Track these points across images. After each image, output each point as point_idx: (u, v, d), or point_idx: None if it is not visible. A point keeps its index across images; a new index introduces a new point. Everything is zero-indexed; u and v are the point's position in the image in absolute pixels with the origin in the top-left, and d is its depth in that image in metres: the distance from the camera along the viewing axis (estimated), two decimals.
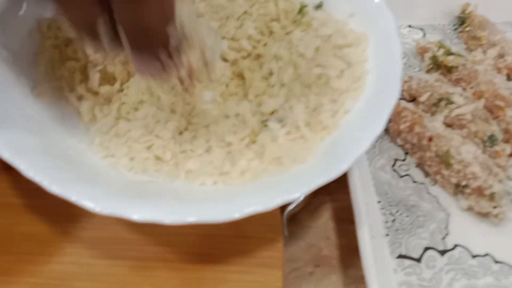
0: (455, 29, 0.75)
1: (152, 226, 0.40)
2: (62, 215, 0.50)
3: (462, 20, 0.74)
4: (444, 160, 0.56)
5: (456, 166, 0.55)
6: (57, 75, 0.51)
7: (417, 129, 0.59)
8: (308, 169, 0.43)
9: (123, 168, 0.46)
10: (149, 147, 0.47)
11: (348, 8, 0.56)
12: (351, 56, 0.51)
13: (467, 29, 0.72)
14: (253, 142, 0.47)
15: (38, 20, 0.53)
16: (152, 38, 0.35)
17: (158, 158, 0.47)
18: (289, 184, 0.41)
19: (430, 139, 0.57)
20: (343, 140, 0.45)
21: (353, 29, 0.53)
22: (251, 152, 0.46)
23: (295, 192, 0.40)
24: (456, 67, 0.65)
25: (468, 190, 0.55)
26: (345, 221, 0.56)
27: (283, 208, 0.52)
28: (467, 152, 0.55)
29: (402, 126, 0.59)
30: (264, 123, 0.48)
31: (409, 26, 0.74)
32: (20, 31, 0.51)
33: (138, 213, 0.38)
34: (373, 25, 0.53)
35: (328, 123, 0.47)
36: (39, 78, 0.50)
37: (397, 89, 0.46)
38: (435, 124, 0.58)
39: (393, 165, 0.60)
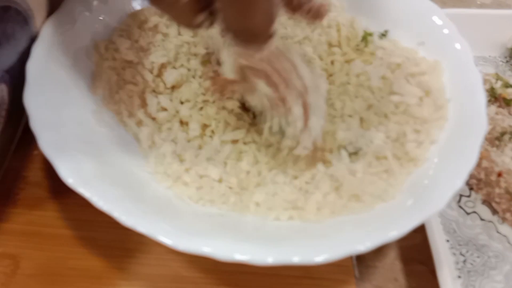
0: (507, 61, 0.73)
1: (214, 263, 0.37)
2: (116, 249, 0.46)
3: None
4: None
5: None
6: (115, 99, 0.48)
7: (484, 163, 0.56)
8: (396, 207, 0.40)
9: (189, 198, 0.43)
10: (219, 179, 0.44)
11: (416, 37, 0.54)
12: (428, 84, 0.48)
13: None
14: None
15: (94, 40, 0.50)
16: (256, 38, 0.36)
17: (229, 188, 0.43)
18: (379, 225, 0.38)
19: (500, 174, 0.54)
20: (434, 174, 0.41)
21: (425, 57, 0.51)
22: (326, 185, 0.43)
23: (386, 233, 0.36)
24: None
25: None
26: (413, 261, 0.52)
27: None
28: None
29: None
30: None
31: None
32: (75, 49, 0.48)
33: (224, 252, 0.34)
34: (445, 54, 0.51)
35: (414, 154, 0.44)
36: (98, 102, 0.47)
37: (484, 119, 0.43)
38: (504, 159, 0.55)
39: (459, 201, 0.56)
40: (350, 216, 0.40)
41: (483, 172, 0.55)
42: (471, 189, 0.58)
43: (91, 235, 0.46)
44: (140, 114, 0.47)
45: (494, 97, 0.65)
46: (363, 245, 0.36)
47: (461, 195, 0.57)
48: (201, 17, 0.34)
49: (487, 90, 0.65)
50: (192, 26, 0.35)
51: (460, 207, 0.56)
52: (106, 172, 0.41)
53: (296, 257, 0.35)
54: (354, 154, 0.45)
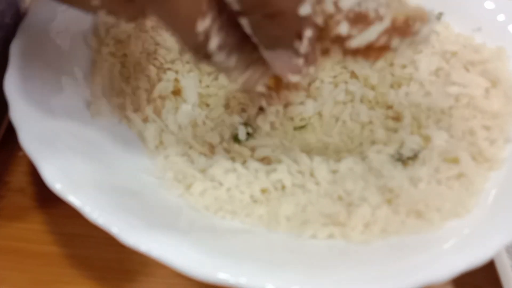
0: None
1: None
2: (113, 271, 0.38)
3: None
4: None
5: None
6: (117, 90, 0.40)
7: None
8: (475, 225, 0.31)
9: (205, 209, 0.34)
10: (241, 187, 0.35)
11: (471, 22, 0.46)
12: (494, 73, 0.40)
13: None
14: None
15: (94, 21, 0.43)
16: (285, 27, 0.26)
17: (250, 197, 0.35)
18: (451, 249, 0.29)
19: None
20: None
21: (485, 44, 0.43)
22: (375, 197, 0.34)
23: (464, 259, 0.28)
24: None
25: None
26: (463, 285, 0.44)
27: None
28: None
29: None
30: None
31: None
32: (73, 31, 0.41)
33: (255, 283, 0.26)
34: (506, 41, 0.43)
35: (490, 154, 0.36)
36: (95, 93, 0.39)
37: None
38: None
39: None
40: (409, 237, 0.32)
41: None
42: None
43: (83, 254, 0.38)
44: (149, 110, 0.39)
45: None
46: (432, 276, 0.27)
47: None
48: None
49: None
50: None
51: None
52: (103, 176, 0.33)
53: None
54: (412, 158, 0.36)
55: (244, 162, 0.38)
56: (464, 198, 0.33)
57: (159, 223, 0.31)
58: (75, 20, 0.41)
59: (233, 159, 0.37)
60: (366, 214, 0.34)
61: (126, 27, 0.43)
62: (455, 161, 0.35)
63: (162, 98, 0.40)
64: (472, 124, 0.38)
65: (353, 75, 0.43)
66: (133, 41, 0.43)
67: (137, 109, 0.39)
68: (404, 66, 0.44)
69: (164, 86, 0.40)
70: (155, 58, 0.42)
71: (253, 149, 0.38)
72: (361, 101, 0.41)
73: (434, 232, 0.32)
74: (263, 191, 0.36)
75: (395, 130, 0.39)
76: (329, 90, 0.42)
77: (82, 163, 0.33)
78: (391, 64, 0.44)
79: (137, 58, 0.42)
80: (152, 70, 0.41)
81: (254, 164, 0.37)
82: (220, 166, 0.36)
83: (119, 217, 0.29)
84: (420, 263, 0.29)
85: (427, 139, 0.37)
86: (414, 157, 0.36)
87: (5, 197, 0.41)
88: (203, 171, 0.36)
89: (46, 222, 0.40)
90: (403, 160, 0.36)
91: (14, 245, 0.39)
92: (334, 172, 0.37)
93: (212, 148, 0.38)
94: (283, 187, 0.36)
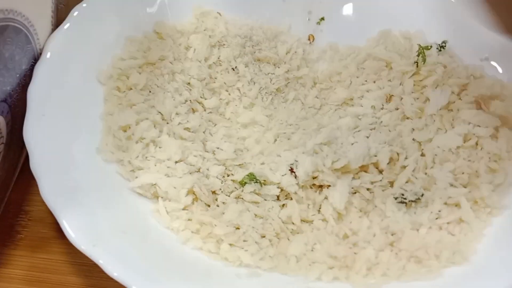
0: None
1: None
2: None
3: None
4: None
5: None
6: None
7: None
8: (474, 274, 0.33)
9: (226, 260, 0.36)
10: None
11: (479, 50, 0.46)
12: (505, 111, 0.40)
13: None
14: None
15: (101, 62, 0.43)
16: None
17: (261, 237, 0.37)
18: None
19: None
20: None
21: (495, 77, 0.43)
22: (380, 240, 0.36)
23: None
24: None
25: None
26: None
27: None
28: None
29: None
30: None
31: None
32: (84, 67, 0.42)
33: None
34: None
35: (491, 200, 0.37)
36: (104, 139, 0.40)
37: None
38: None
39: None
40: (407, 283, 0.33)
41: None
42: None
43: (103, 285, 0.40)
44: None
45: None
46: None
47: None
48: None
49: None
50: None
51: None
52: (121, 228, 0.34)
53: None
54: (415, 201, 0.38)
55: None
56: (462, 245, 0.34)
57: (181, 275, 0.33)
58: (88, 55, 0.42)
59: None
60: (371, 257, 0.35)
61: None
62: (456, 205, 0.36)
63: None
64: (477, 166, 0.38)
65: None
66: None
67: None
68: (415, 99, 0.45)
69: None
70: None
71: None
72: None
73: (439, 279, 0.33)
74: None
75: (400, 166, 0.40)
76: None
77: (102, 217, 0.34)
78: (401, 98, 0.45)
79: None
80: None
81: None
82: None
83: (137, 271, 0.31)
84: None
85: (431, 180, 0.38)
86: (418, 200, 0.37)
87: (27, 227, 0.43)
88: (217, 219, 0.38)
89: (67, 252, 0.42)
90: (406, 202, 0.37)
91: (37, 275, 0.41)
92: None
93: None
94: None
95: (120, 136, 0.40)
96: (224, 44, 0.50)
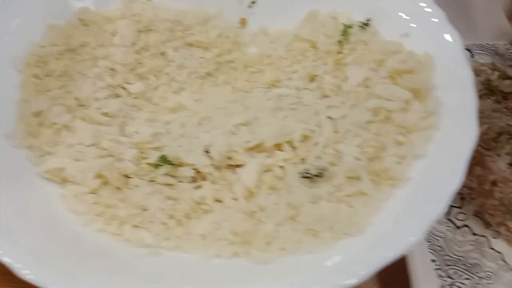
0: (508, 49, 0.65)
1: None
2: None
3: None
4: (511, 210, 0.47)
5: None
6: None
7: (477, 170, 0.49)
8: (361, 245, 0.33)
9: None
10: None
11: (401, 27, 0.46)
12: (418, 84, 0.41)
13: None
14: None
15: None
16: None
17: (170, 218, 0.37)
18: (336, 268, 0.32)
19: (494, 183, 0.48)
20: (413, 199, 0.35)
21: (412, 52, 0.44)
22: (281, 214, 0.36)
23: (342, 280, 0.30)
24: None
25: None
26: (394, 285, 0.46)
27: None
28: None
29: None
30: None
31: None
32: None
33: None
34: (433, 46, 0.43)
35: (394, 173, 0.37)
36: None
37: (474, 126, 0.37)
38: (501, 165, 0.49)
39: (448, 213, 0.50)
40: (305, 255, 0.34)
41: (476, 181, 0.49)
42: (462, 199, 0.51)
43: None
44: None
45: (490, 90, 0.58)
46: None
47: (452, 206, 0.50)
48: None
49: (482, 83, 0.58)
50: None
51: (450, 220, 0.50)
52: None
53: None
54: (318, 176, 0.38)
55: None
56: (359, 217, 0.35)
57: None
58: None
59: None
60: (270, 231, 0.36)
61: None
62: (357, 179, 0.37)
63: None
64: (385, 140, 0.39)
65: None
66: None
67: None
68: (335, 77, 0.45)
69: None
70: None
71: None
72: None
73: (326, 252, 0.34)
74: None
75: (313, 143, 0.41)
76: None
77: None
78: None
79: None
80: None
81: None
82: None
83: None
84: (303, 281, 0.31)
85: (337, 155, 0.39)
86: (320, 174, 0.38)
87: None
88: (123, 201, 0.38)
89: None
90: (310, 177, 0.38)
91: None
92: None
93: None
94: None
95: (32, 122, 0.40)
96: (152, 29, 0.50)
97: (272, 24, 0.52)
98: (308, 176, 0.38)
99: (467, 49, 0.64)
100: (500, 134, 0.52)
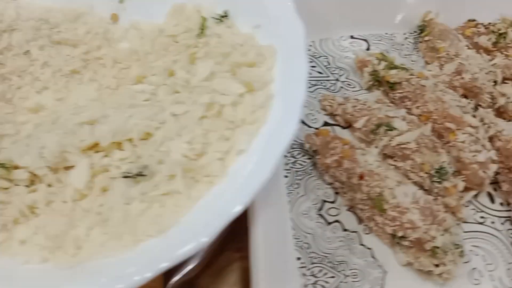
0: (406, 38, 0.63)
1: None
2: None
3: (421, 29, 0.62)
4: (377, 204, 0.45)
5: (391, 212, 0.44)
6: None
7: (346, 164, 0.47)
8: (166, 245, 0.32)
9: None
10: None
11: (255, 19, 0.45)
12: (253, 77, 0.40)
13: (426, 38, 0.61)
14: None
15: None
16: None
17: None
18: (136, 272, 0.30)
19: (361, 177, 0.46)
20: (221, 195, 0.34)
21: (257, 44, 0.42)
22: (93, 216, 0.35)
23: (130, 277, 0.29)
24: (399, 83, 0.54)
25: (406, 243, 0.44)
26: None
27: (168, 276, 0.41)
28: (404, 194, 0.44)
29: (329, 160, 0.48)
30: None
31: (351, 37, 0.63)
32: None
33: None
34: (281, 39, 0.42)
35: (212, 169, 0.36)
36: None
37: (295, 120, 0.35)
38: (368, 158, 0.47)
39: (320, 208, 0.49)
40: (112, 258, 0.32)
41: (345, 174, 0.47)
42: (336, 193, 0.50)
43: None
44: None
45: (378, 81, 0.57)
46: None
47: (324, 201, 0.49)
48: None
49: (370, 73, 0.57)
50: None
51: (321, 215, 0.48)
52: None
53: None
54: (139, 175, 0.36)
55: None
56: (164, 218, 0.33)
57: None
58: None
59: None
60: (81, 235, 0.34)
61: None
62: (172, 177, 0.35)
63: None
64: (211, 136, 0.37)
65: None
66: None
67: None
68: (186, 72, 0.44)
69: None
70: None
71: None
72: None
73: (132, 251, 0.32)
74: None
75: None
76: None
77: None
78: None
79: None
80: None
81: None
82: None
83: None
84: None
85: (165, 153, 0.37)
86: (141, 174, 0.36)
87: None
88: None
89: None
90: (132, 177, 0.36)
91: None
92: None
93: None
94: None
95: None
96: (16, 29, 0.49)
97: (144, 18, 0.51)
98: (129, 176, 0.36)
99: (364, 40, 0.63)
100: (378, 126, 0.51)
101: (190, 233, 0.31)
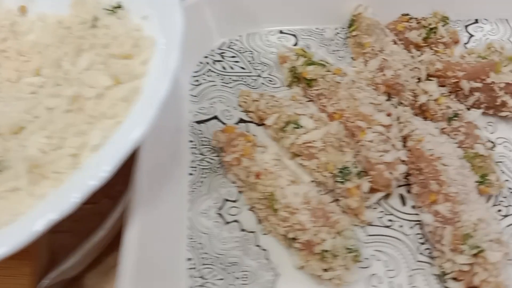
0: (337, 34, 0.61)
1: None
2: None
3: (350, 24, 0.60)
4: (269, 204, 0.43)
5: (282, 213, 0.42)
6: None
7: (245, 162, 0.46)
8: None
9: None
10: None
11: (145, 10, 0.43)
12: (122, 69, 0.38)
13: (354, 33, 0.59)
14: None
15: None
16: None
17: None
18: None
19: (258, 175, 0.45)
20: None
21: (137, 36, 0.41)
22: None
23: None
24: (316, 80, 0.52)
25: (297, 245, 0.42)
26: None
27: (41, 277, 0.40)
28: (294, 194, 0.42)
29: (229, 158, 0.47)
30: None
31: (280, 31, 0.61)
32: None
33: None
34: (164, 32, 0.41)
35: (62, 165, 0.34)
36: None
37: (149, 117, 0.33)
38: (265, 157, 0.45)
39: (221, 207, 0.47)
40: None
41: (244, 173, 0.46)
42: (240, 192, 0.48)
43: None
44: None
45: (296, 77, 0.55)
46: None
47: (226, 200, 0.47)
48: None
49: (289, 70, 0.55)
50: None
51: (220, 215, 0.46)
52: None
53: None
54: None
55: None
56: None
57: None
58: None
59: None
60: None
61: None
62: (19, 173, 0.34)
63: None
64: (68, 131, 0.36)
65: None
66: None
67: None
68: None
69: None
70: None
71: None
72: None
73: None
74: None
75: None
76: None
77: None
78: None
79: None
80: None
81: None
82: None
83: None
84: None
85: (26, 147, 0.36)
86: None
87: None
88: None
89: None
90: None
91: None
92: None
93: None
94: None
95: None
96: None
97: (51, 10, 0.50)
98: None
99: (293, 35, 0.61)
100: (287, 123, 0.49)
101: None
